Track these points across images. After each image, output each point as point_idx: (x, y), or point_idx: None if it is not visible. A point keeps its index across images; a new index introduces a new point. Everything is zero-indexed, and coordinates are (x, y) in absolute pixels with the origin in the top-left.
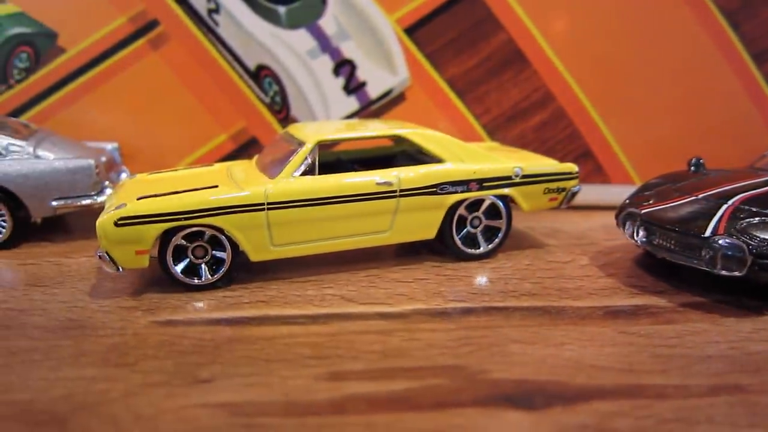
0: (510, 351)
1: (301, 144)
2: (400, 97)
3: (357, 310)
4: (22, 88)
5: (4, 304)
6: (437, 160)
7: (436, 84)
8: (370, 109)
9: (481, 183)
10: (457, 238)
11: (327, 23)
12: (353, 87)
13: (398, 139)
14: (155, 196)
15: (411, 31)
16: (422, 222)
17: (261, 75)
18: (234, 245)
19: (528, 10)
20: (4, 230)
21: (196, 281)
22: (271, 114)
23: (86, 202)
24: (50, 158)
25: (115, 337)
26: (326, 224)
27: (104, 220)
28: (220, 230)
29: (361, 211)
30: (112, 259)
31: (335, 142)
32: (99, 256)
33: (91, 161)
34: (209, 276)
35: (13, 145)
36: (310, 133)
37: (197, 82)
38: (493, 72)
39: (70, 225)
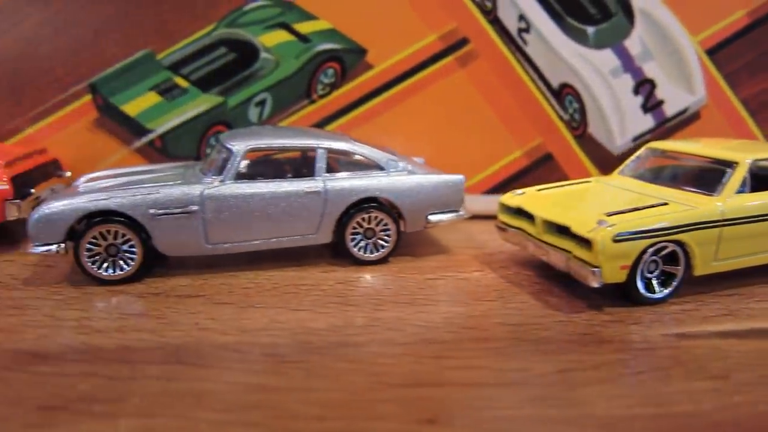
0: None
1: (726, 164)
2: (694, 116)
3: None
4: (323, 103)
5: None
6: None
7: (731, 103)
8: (664, 127)
9: None
10: None
11: (632, 43)
12: (651, 105)
13: None
14: (622, 212)
15: (712, 52)
16: None
17: (563, 93)
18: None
19: None
20: (390, 241)
21: (657, 295)
22: (567, 130)
23: (453, 216)
24: (421, 173)
25: (666, 350)
26: (760, 240)
27: (604, 236)
28: (681, 245)
29: None
30: (601, 274)
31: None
32: (592, 272)
33: (462, 177)
34: (661, 289)
35: (392, 161)
36: (741, 154)
37: (499, 99)
38: None
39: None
